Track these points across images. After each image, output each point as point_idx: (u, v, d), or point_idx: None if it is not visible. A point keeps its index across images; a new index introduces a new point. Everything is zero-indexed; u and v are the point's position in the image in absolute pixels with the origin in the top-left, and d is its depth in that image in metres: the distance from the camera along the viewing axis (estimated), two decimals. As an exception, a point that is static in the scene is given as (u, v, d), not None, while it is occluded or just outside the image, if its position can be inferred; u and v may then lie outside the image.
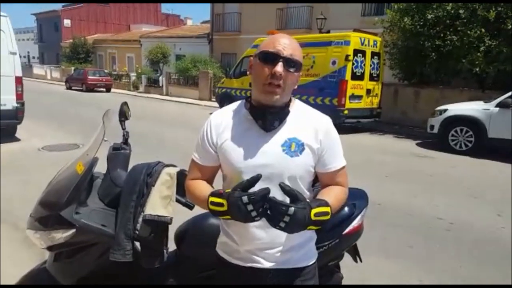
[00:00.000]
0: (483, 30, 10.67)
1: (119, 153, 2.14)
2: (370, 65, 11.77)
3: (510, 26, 10.30)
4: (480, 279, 3.38)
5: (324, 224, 1.28)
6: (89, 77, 25.81)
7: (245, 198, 1.20)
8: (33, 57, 55.43)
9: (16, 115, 8.00)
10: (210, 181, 1.55)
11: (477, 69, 10.98)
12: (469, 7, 11.04)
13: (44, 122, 10.95)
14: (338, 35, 11.58)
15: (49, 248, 1.87)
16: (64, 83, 29.00)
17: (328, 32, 13.18)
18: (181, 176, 1.90)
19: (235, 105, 1.54)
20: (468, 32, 10.82)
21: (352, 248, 2.29)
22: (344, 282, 2.28)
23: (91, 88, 25.45)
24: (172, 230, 2.01)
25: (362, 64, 11.47)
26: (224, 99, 14.50)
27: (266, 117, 1.38)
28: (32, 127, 9.51)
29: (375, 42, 11.94)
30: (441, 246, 4.02)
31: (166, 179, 1.90)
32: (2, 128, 7.82)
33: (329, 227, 2.03)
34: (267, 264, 1.44)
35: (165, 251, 1.99)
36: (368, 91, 11.87)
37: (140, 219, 1.83)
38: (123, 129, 2.25)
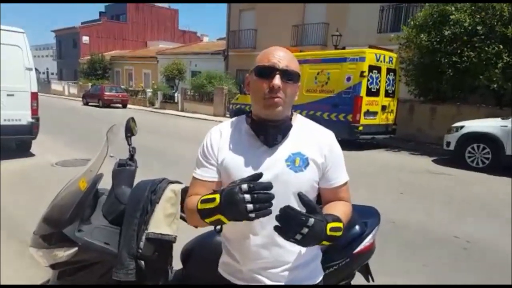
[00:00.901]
0: (501, 46, 10.51)
1: (124, 169, 2.11)
2: (386, 82, 11.69)
3: (528, 43, 10.16)
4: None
5: (336, 241, 1.21)
6: (106, 93, 26.16)
7: (244, 186, 1.09)
8: (52, 73, 56.64)
9: (31, 130, 8.06)
10: None
11: (495, 86, 10.79)
12: (487, 23, 10.92)
13: (59, 137, 11.08)
14: (353, 51, 11.56)
15: (52, 266, 1.85)
16: (81, 99, 29.48)
17: (344, 48, 13.19)
18: (186, 193, 1.85)
19: (235, 120, 1.51)
20: (486, 48, 10.68)
21: (363, 267, 2.23)
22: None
23: (107, 104, 25.77)
24: (178, 248, 1.96)
25: (378, 80, 11.39)
26: (238, 115, 14.47)
27: (269, 132, 1.35)
28: (47, 143, 9.62)
29: (391, 59, 11.87)
30: (457, 265, 3.88)
31: (170, 196, 1.86)
32: (16, 143, 7.91)
33: (340, 246, 1.97)
34: (271, 284, 1.38)
35: (170, 270, 1.95)
36: (384, 107, 11.77)
37: (144, 237, 1.79)
38: (129, 144, 2.23)
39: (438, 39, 11.63)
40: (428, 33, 11.88)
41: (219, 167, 1.42)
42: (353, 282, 2.22)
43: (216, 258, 1.59)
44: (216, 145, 1.43)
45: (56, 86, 40.79)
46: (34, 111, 8.08)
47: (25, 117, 7.92)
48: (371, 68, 11.13)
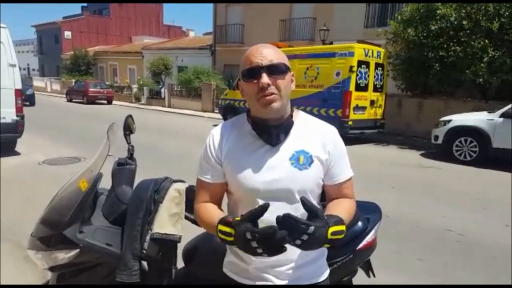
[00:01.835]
0: (486, 41, 10.67)
1: (124, 169, 2.07)
2: (374, 76, 11.76)
3: (514, 37, 10.31)
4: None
5: (337, 243, 1.20)
6: (90, 89, 25.82)
7: (248, 235, 1.11)
8: (33, 69, 55.64)
9: (16, 128, 7.85)
10: (219, 201, 1.48)
11: (481, 80, 10.95)
12: (472, 18, 11.06)
13: (44, 135, 10.88)
14: (342, 46, 11.59)
15: (51, 269, 1.80)
16: (64, 96, 29.04)
17: (331, 43, 13.22)
18: (190, 192, 1.82)
19: (236, 119, 1.49)
20: (472, 43, 10.82)
21: (365, 263, 2.23)
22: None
23: (92, 100, 25.45)
24: (180, 247, 1.93)
25: (366, 75, 11.45)
26: (227, 111, 14.50)
27: (271, 132, 1.34)
28: (33, 141, 9.43)
29: (379, 53, 11.94)
30: (452, 259, 3.92)
31: (174, 195, 1.82)
32: (1, 142, 7.71)
33: (343, 242, 1.96)
34: (278, 282, 1.37)
35: (173, 270, 1.91)
36: (372, 102, 11.84)
37: (148, 238, 1.76)
38: (128, 143, 2.18)
39: (425, 34, 11.74)
40: (415, 28, 11.98)
41: (223, 166, 1.41)
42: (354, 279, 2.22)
43: (218, 257, 1.56)
44: (218, 147, 1.41)
45: (38, 82, 40.03)
46: (19, 109, 7.88)
47: (10, 115, 7.70)
48: (360, 63, 11.17)
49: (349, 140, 10.98)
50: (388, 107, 12.91)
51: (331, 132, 1.44)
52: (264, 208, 1.14)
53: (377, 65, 11.86)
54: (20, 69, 8.31)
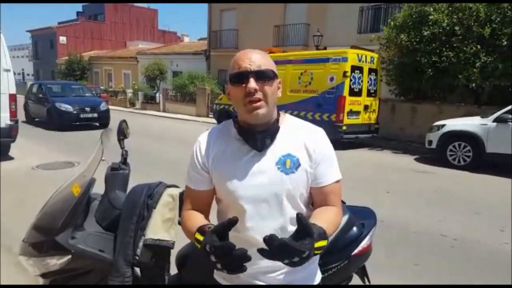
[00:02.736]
0: (478, 46, 10.75)
1: (117, 173, 2.05)
2: (368, 81, 11.81)
3: (505, 43, 10.40)
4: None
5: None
6: (85, 93, 25.67)
7: (207, 247, 1.10)
8: (28, 74, 55.41)
9: (10, 133, 7.84)
10: (207, 208, 1.47)
11: (473, 85, 11.03)
12: (464, 24, 11.14)
13: (38, 140, 10.80)
14: (336, 51, 11.63)
15: (44, 275, 1.78)
16: (59, 100, 28.83)
17: (325, 49, 13.27)
18: (184, 198, 1.81)
19: (223, 125, 1.48)
20: (464, 48, 10.90)
21: (360, 268, 2.23)
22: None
23: (87, 105, 25.26)
24: (174, 253, 1.91)
25: (360, 80, 11.50)
26: (222, 116, 14.48)
27: (257, 137, 1.33)
28: (26, 146, 9.37)
29: (372, 59, 12.00)
30: (447, 263, 3.93)
31: (168, 200, 1.82)
32: (-4, 146, 7.68)
33: (338, 248, 1.97)
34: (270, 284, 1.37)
35: (166, 276, 1.90)
36: (366, 107, 11.88)
37: (141, 244, 1.75)
38: (122, 148, 2.17)
39: (417, 39, 11.80)
40: (407, 33, 12.04)
41: (211, 173, 1.40)
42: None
43: (212, 263, 1.55)
44: (205, 154, 1.40)
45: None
46: (13, 114, 7.87)
47: (4, 120, 7.68)
48: (354, 68, 11.22)
49: (343, 144, 11.02)
50: (382, 112, 12.96)
51: (316, 133, 1.42)
52: (232, 223, 1.12)
53: (371, 70, 11.92)
54: (14, 74, 8.28)
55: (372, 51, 12.30)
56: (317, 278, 1.50)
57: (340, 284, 2.10)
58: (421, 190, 6.90)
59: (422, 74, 12.01)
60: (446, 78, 11.64)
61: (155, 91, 26.38)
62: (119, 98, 29.11)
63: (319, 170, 1.39)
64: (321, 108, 11.41)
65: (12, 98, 7.84)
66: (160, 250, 1.77)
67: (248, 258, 1.08)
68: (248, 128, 1.34)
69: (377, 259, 3.52)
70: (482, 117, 9.12)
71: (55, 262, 1.71)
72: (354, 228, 2.06)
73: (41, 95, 14.87)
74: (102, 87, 30.62)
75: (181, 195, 1.84)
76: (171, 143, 11.49)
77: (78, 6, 52.70)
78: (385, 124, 13.12)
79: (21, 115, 8.08)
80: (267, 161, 1.34)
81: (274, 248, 1.06)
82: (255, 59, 1.30)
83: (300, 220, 1.10)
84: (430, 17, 11.48)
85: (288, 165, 1.34)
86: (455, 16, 11.28)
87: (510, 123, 8.29)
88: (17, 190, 5.93)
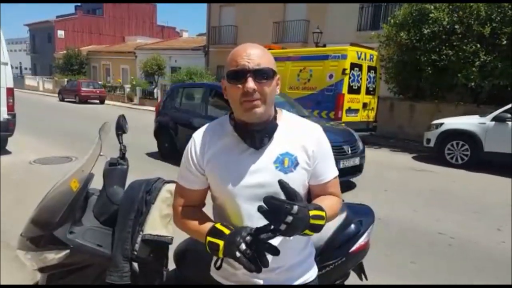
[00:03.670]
0: (478, 45, 10.77)
1: (115, 169, 2.05)
2: (367, 79, 11.79)
3: (505, 42, 10.42)
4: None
5: (318, 231, 1.19)
6: (83, 88, 25.70)
7: (242, 242, 1.14)
8: (25, 68, 55.27)
9: (7, 127, 7.80)
10: (201, 205, 1.46)
11: (472, 84, 11.04)
12: (464, 23, 11.15)
13: (36, 134, 10.78)
14: (335, 49, 11.61)
15: (41, 270, 1.78)
16: (57, 95, 28.83)
17: (324, 46, 13.24)
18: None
19: (218, 121, 1.44)
20: (464, 47, 10.91)
21: (357, 266, 2.23)
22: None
23: (84, 100, 25.33)
24: (172, 248, 1.91)
25: (359, 78, 11.49)
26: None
27: (254, 136, 1.30)
28: (24, 140, 9.34)
29: (372, 56, 11.98)
30: (444, 262, 3.94)
31: (166, 196, 1.81)
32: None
33: (336, 245, 1.97)
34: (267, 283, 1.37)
35: (164, 272, 1.89)
36: (365, 105, 11.87)
37: (139, 239, 1.74)
38: (120, 143, 2.16)
39: (417, 37, 11.81)
40: (407, 31, 12.05)
41: (206, 172, 1.37)
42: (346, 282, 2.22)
43: (210, 259, 1.55)
44: (200, 152, 1.37)
45: (30, 81, 39.77)
46: (10, 107, 7.83)
47: (1, 114, 7.65)
48: (353, 65, 11.19)
49: (341, 142, 10.99)
50: (381, 110, 12.95)
51: (314, 131, 1.41)
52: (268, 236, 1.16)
53: (370, 68, 11.90)
54: (12, 67, 8.24)
55: (372, 48, 12.29)
56: (314, 274, 1.49)
57: (337, 282, 2.10)
58: (419, 189, 6.92)
59: (422, 73, 12.04)
60: (445, 76, 11.66)
61: (153, 87, 26.35)
62: (117, 93, 29.09)
63: (319, 167, 1.38)
64: (320, 106, 11.38)
65: (10, 92, 7.81)
66: (158, 245, 1.76)
67: (273, 227, 1.12)
68: (245, 126, 1.31)
69: (374, 257, 3.54)
70: (481, 116, 9.12)
71: (53, 257, 1.70)
72: (352, 226, 2.06)
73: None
74: (100, 82, 30.56)
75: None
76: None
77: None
78: (384, 122, 13.13)
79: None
80: (265, 159, 1.32)
81: (269, 210, 1.10)
82: (254, 55, 1.25)
83: (283, 185, 1.15)
84: (431, 15, 11.50)
85: (287, 164, 1.32)
86: (456, 15, 11.30)
87: (508, 122, 8.31)
88: (14, 184, 5.91)
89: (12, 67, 8.23)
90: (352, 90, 11.31)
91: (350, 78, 11.12)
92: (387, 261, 3.87)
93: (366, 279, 2.30)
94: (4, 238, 3.84)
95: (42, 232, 1.72)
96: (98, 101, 26.14)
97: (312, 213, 1.14)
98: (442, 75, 11.71)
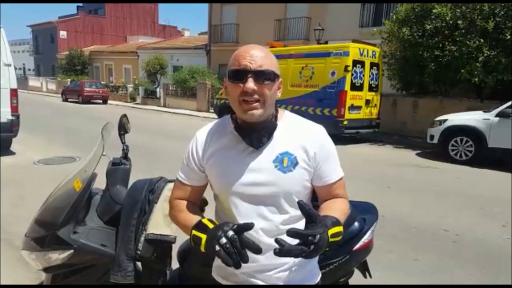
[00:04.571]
0: (481, 40, 10.70)
1: (118, 169, 2.05)
2: (369, 76, 11.77)
3: (509, 37, 10.34)
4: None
5: (335, 246, 1.19)
6: (86, 88, 25.75)
7: (223, 236, 1.11)
8: (29, 69, 55.43)
9: (11, 128, 7.85)
10: (197, 200, 1.47)
11: (476, 79, 10.97)
12: (467, 18, 11.08)
13: (39, 135, 10.82)
14: (337, 46, 11.58)
15: (46, 270, 1.78)
16: (60, 95, 28.93)
17: (326, 43, 13.21)
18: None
19: (221, 121, 1.46)
20: (467, 42, 10.85)
21: (361, 263, 2.22)
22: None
23: (87, 100, 25.37)
24: (175, 247, 1.91)
25: (361, 75, 11.46)
26: (222, 110, 14.29)
27: (253, 134, 1.29)
28: (28, 140, 9.38)
29: (374, 53, 11.95)
30: (448, 259, 3.92)
31: (169, 195, 1.80)
32: None
33: (340, 243, 1.95)
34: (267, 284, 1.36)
35: (168, 271, 1.90)
36: (367, 102, 11.85)
37: (142, 239, 1.75)
38: (123, 143, 2.16)
39: (420, 33, 11.77)
40: (410, 27, 12.00)
41: (206, 170, 1.39)
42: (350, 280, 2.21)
43: (212, 258, 1.55)
44: (201, 149, 1.39)
45: (33, 82, 39.93)
46: (14, 108, 7.88)
47: (5, 115, 7.70)
48: (355, 62, 11.18)
49: (344, 139, 11.03)
50: (383, 106, 12.93)
51: (317, 132, 1.39)
52: (248, 227, 1.13)
53: (372, 65, 11.88)
54: (15, 68, 8.27)
55: (374, 45, 12.26)
56: (317, 278, 1.48)
57: (341, 280, 2.09)
58: (422, 185, 6.89)
59: (424, 69, 11.98)
60: (449, 72, 11.60)
61: (155, 86, 26.40)
62: (119, 93, 29.15)
63: (324, 169, 1.37)
64: (322, 103, 11.38)
65: (14, 93, 7.85)
66: (162, 244, 1.76)
67: (293, 253, 1.09)
68: (245, 125, 1.31)
69: (377, 254, 3.54)
70: (485, 111, 9.08)
71: (57, 257, 1.71)
72: (356, 223, 2.05)
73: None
74: (102, 82, 30.65)
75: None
76: (172, 138, 11.48)
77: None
78: (387, 119, 13.11)
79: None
80: (264, 158, 1.32)
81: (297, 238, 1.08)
82: (257, 57, 1.24)
83: (302, 207, 1.13)
84: (433, 10, 11.45)
85: (286, 163, 1.31)
86: (459, 10, 11.23)
87: (512, 117, 8.25)
88: (18, 184, 5.93)
89: (15, 68, 8.27)
90: (355, 87, 11.29)
91: (352, 75, 11.11)
92: (391, 258, 3.86)
93: (371, 277, 2.29)
94: (8, 238, 3.86)
95: (46, 232, 1.73)
96: (101, 101, 26.18)
97: (331, 232, 1.14)
98: (445, 71, 11.65)
